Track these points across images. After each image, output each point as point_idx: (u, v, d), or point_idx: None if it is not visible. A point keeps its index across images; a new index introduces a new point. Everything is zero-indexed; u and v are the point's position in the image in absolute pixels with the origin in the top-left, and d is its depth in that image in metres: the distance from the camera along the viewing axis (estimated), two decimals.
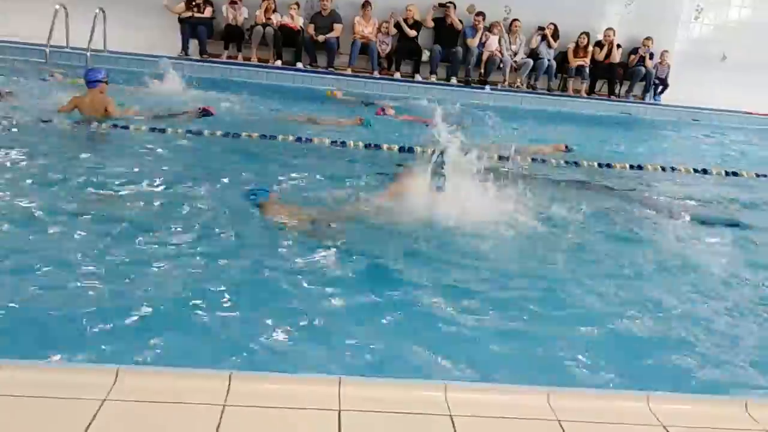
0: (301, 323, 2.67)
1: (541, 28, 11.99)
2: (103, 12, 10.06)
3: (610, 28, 11.97)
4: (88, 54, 9.80)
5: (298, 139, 6.15)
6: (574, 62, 11.90)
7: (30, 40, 10.01)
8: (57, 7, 9.71)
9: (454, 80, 11.81)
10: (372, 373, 2.31)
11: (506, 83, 11.85)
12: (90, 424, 1.73)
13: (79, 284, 2.79)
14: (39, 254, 3.04)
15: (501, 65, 11.78)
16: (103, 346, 2.34)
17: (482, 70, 11.87)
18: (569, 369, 2.51)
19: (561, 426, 1.98)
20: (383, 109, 8.59)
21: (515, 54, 11.95)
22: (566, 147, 6.97)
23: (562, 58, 12.03)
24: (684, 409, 2.12)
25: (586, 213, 4.38)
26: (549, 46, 11.92)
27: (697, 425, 2.05)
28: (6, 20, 10.75)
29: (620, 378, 2.46)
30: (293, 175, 4.89)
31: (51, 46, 9.72)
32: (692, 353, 2.74)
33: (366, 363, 2.42)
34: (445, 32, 11.79)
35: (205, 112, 6.79)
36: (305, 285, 3.02)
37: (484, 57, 11.74)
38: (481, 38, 11.73)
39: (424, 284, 3.14)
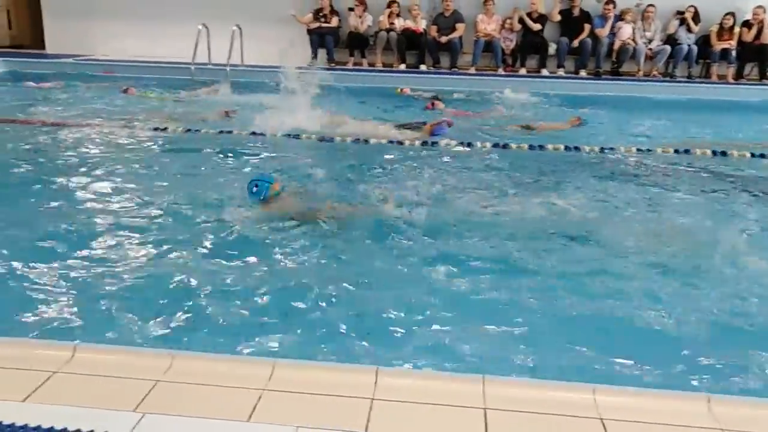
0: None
1: (680, 12, 11.12)
2: (240, 29, 10.84)
3: (760, 6, 10.80)
4: (228, 69, 10.60)
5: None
6: (718, 45, 10.89)
7: (178, 60, 11.04)
8: (200, 27, 10.62)
9: (583, 73, 11.31)
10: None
11: (641, 72, 11.14)
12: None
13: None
14: None
15: (635, 54, 11.10)
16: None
17: (614, 61, 11.25)
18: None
19: (603, 425, 1.88)
20: (432, 104, 8.50)
21: (650, 41, 11.19)
22: (579, 120, 7.14)
23: (703, 41, 11.07)
24: (745, 412, 1.91)
25: None
26: (689, 30, 11.02)
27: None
28: (156, 43, 11.99)
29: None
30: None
31: (195, 64, 10.64)
32: None
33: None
34: (573, 23, 11.33)
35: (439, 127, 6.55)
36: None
37: (616, 46, 11.13)
38: (611, 27, 11.13)
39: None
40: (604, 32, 11.10)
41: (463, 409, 1.94)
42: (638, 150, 6.07)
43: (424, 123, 6.68)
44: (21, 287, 2.97)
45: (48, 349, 2.17)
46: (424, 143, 6.16)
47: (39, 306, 2.81)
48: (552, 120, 7.64)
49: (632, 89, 10.26)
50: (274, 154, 5.74)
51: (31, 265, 3.18)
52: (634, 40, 11.08)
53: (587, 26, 11.23)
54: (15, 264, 3.18)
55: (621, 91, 10.16)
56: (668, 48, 11.02)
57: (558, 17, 11.38)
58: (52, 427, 1.76)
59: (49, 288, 2.96)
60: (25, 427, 1.76)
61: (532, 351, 2.56)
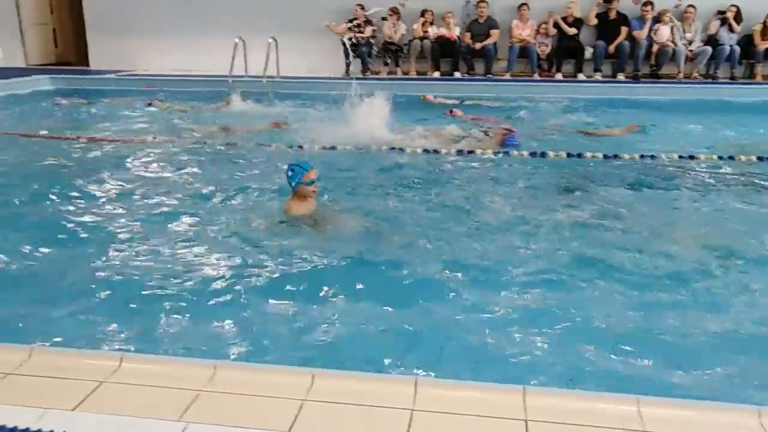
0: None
1: (721, 12, 10.86)
2: (275, 41, 10.99)
3: None
4: (264, 80, 10.75)
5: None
6: (762, 45, 10.60)
7: (216, 72, 11.26)
8: (236, 40, 10.81)
9: (621, 76, 11.13)
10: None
11: (681, 75, 10.91)
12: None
13: None
14: None
15: (674, 56, 10.88)
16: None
17: (653, 63, 11.05)
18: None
19: None
20: (451, 111, 8.52)
21: (690, 43, 10.95)
22: (637, 126, 6.99)
23: (746, 41, 10.79)
24: None
25: None
26: (731, 30, 10.75)
27: None
28: (195, 57, 12.25)
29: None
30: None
31: (233, 76, 10.82)
32: None
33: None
34: (609, 26, 11.18)
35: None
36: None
37: (655, 49, 10.93)
38: (650, 29, 10.94)
39: None
40: (642, 34, 10.92)
41: (504, 421, 1.93)
42: (680, 157, 5.95)
43: (486, 133, 6.60)
44: (69, 298, 3.06)
45: (96, 359, 2.23)
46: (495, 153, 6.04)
47: (87, 316, 2.89)
48: (609, 126, 7.50)
49: (672, 92, 10.07)
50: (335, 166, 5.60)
51: (78, 276, 3.28)
52: (673, 41, 10.87)
53: (624, 29, 11.07)
54: (64, 275, 3.29)
55: (660, 94, 9.99)
56: (709, 49, 10.78)
57: (595, 21, 11.24)
58: None
59: (95, 299, 3.05)
60: None
61: (573, 361, 2.52)
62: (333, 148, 6.23)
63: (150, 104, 9.18)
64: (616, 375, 2.42)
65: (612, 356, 2.52)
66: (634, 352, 2.57)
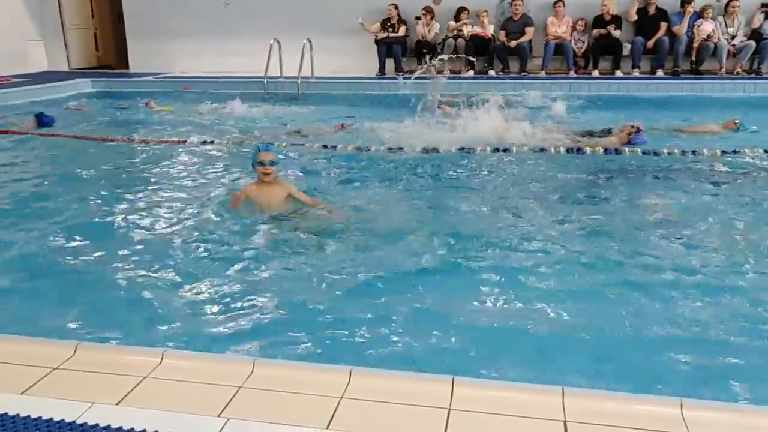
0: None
1: (765, 5, 10.56)
2: (310, 42, 11.07)
3: None
4: (299, 81, 10.84)
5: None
6: None
7: (251, 74, 11.39)
8: (271, 42, 10.92)
9: (660, 72, 10.90)
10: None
11: (723, 71, 10.63)
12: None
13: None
14: None
15: (716, 51, 10.61)
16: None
17: (693, 59, 10.80)
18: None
19: None
20: (439, 106, 8.31)
21: (733, 38, 10.67)
22: (735, 124, 6.75)
23: None
24: None
25: None
26: None
27: None
28: (231, 59, 12.42)
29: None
30: None
31: (268, 78, 10.93)
32: None
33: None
34: (648, 22, 10.96)
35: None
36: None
37: (696, 44, 10.67)
38: (690, 24, 10.69)
39: None
40: (682, 30, 10.68)
41: (542, 422, 1.91)
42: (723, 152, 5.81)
43: (609, 131, 6.48)
44: (112, 295, 3.14)
45: (138, 355, 2.28)
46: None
47: (128, 313, 2.96)
48: (703, 122, 7.27)
49: (714, 88, 9.82)
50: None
51: (120, 274, 3.36)
52: (715, 36, 10.60)
53: (664, 24, 10.84)
54: (106, 272, 3.38)
55: (701, 90, 9.76)
56: (753, 43, 10.49)
57: (635, 16, 11.04)
58: (144, 430, 1.85)
59: (137, 296, 3.12)
60: (119, 429, 1.86)
61: (614, 362, 2.49)
62: (400, 149, 6.13)
63: (147, 104, 9.41)
64: (659, 377, 2.37)
65: (656, 357, 2.47)
66: (679, 354, 2.51)
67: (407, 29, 11.80)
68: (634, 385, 2.24)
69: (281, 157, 4.14)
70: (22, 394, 2.05)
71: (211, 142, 6.74)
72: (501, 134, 6.42)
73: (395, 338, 2.69)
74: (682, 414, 1.91)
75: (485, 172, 5.47)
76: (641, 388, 2.18)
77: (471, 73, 11.49)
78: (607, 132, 6.50)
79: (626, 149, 6.01)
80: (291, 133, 7.20)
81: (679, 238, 3.76)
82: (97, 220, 4.28)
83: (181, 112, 9.07)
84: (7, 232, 4.02)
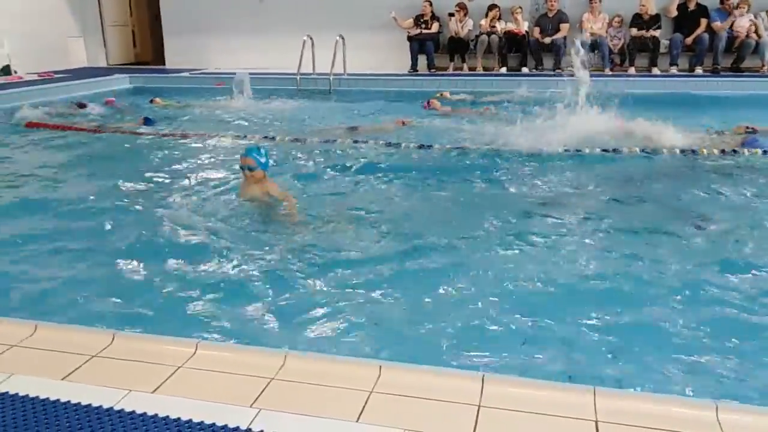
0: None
1: None
2: (342, 38, 11.11)
3: None
4: (331, 78, 10.89)
5: None
6: None
7: (285, 70, 11.48)
8: (305, 38, 10.99)
9: (699, 70, 10.67)
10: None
11: (765, 68, 10.37)
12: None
13: None
14: None
15: (757, 48, 10.34)
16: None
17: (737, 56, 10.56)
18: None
19: None
20: (428, 103, 8.44)
21: None
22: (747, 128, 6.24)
23: None
24: None
25: None
26: None
27: None
28: (265, 55, 12.53)
29: None
30: None
31: (301, 74, 11.01)
32: None
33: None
34: (688, 19, 10.74)
35: None
36: None
37: (737, 41, 10.42)
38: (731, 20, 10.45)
39: None
40: (722, 26, 10.44)
41: (573, 421, 1.89)
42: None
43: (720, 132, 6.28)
44: (149, 287, 3.21)
45: (173, 345, 2.33)
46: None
47: (165, 303, 3.03)
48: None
49: (756, 86, 9.59)
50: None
51: (157, 268, 3.43)
52: (757, 33, 10.33)
53: (704, 21, 10.61)
54: (148, 264, 3.46)
55: (742, 89, 9.53)
56: None
57: (675, 12, 10.82)
58: (179, 418, 1.89)
59: (175, 287, 3.18)
60: (155, 416, 1.90)
61: (646, 362, 2.46)
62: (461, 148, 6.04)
63: (152, 101, 9.55)
64: (694, 379, 2.33)
65: (691, 359, 2.43)
66: (716, 356, 2.47)
67: (440, 26, 11.76)
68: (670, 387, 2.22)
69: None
70: (62, 379, 2.11)
71: (273, 138, 6.70)
72: (616, 133, 6.08)
73: (425, 333, 2.70)
74: (717, 417, 1.88)
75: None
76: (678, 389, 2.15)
77: (504, 69, 11.41)
78: (720, 132, 6.24)
79: (745, 150, 5.71)
80: (348, 130, 7.08)
81: None
82: (140, 214, 4.35)
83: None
84: (64, 224, 4.13)
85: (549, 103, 6.42)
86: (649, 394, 2.01)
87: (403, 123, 7.36)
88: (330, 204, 4.47)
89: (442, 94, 9.57)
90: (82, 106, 8.63)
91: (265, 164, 4.24)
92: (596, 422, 1.89)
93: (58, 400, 1.99)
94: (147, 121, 7.70)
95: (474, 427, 1.87)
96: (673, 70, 10.77)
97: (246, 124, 7.90)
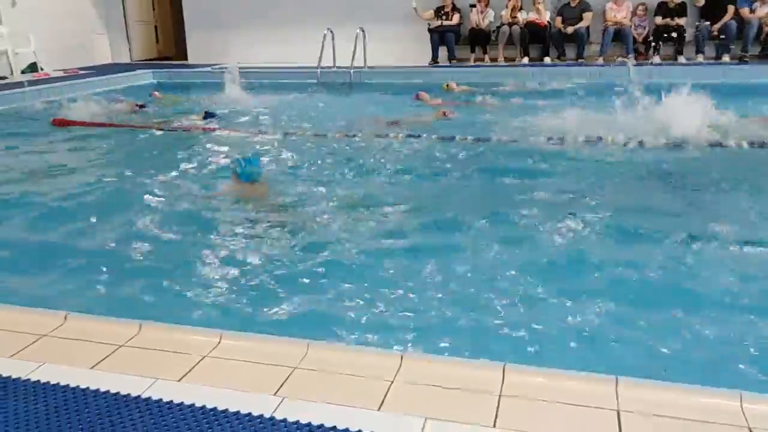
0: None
1: None
2: (363, 31, 11.10)
3: None
4: (351, 71, 10.90)
5: None
6: None
7: (306, 64, 11.51)
8: (325, 32, 11.01)
9: (726, 58, 10.48)
10: None
11: None
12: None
13: None
14: None
15: None
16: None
17: (764, 44, 10.34)
18: None
19: None
20: (417, 95, 8.42)
21: None
22: None
23: None
24: None
25: None
26: None
27: None
28: (287, 49, 12.57)
29: None
30: None
31: (321, 67, 11.03)
32: None
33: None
34: (715, 5, 10.54)
35: None
36: None
37: (766, 29, 10.21)
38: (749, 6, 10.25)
39: None
40: (749, 13, 10.23)
41: (595, 410, 1.89)
42: None
43: None
44: (176, 277, 3.27)
45: (198, 335, 2.37)
46: None
47: (189, 294, 3.08)
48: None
49: None
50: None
51: (180, 259, 3.49)
52: None
53: (731, 8, 10.40)
54: (166, 258, 3.51)
55: None
56: None
57: (702, 1, 10.64)
58: (204, 406, 1.93)
59: (198, 279, 3.24)
60: (181, 404, 1.94)
61: (670, 351, 2.44)
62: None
63: (152, 95, 9.65)
64: (717, 369, 2.31)
65: (714, 349, 2.41)
66: (738, 346, 2.45)
67: (461, 17, 11.70)
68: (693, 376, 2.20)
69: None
70: (91, 368, 2.16)
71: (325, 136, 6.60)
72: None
73: (450, 324, 2.71)
74: (741, 407, 1.86)
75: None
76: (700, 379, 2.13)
77: (526, 60, 11.31)
78: None
79: None
80: (389, 123, 6.95)
81: None
82: (165, 206, 4.42)
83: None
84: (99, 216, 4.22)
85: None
86: (672, 384, 2.00)
87: (444, 114, 7.28)
88: (380, 196, 4.48)
89: (448, 85, 9.55)
90: (141, 106, 8.60)
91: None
92: (618, 411, 1.88)
93: (87, 388, 2.04)
94: (207, 115, 7.72)
95: (495, 417, 1.88)
96: (700, 58, 10.59)
97: (282, 121, 7.66)
